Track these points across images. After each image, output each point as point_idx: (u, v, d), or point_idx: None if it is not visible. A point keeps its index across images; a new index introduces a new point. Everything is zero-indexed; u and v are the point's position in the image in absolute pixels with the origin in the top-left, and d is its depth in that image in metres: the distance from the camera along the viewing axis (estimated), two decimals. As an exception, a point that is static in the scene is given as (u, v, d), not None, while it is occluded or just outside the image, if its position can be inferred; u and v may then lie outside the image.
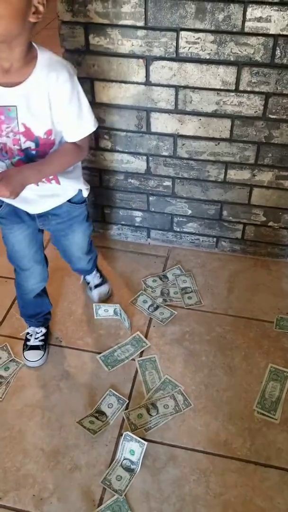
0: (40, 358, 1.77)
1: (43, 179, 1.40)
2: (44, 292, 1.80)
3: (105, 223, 2.27)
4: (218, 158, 1.93)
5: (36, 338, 1.80)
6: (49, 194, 1.49)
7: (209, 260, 2.19)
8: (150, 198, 2.13)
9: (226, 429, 1.58)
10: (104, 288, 2.00)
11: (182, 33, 1.64)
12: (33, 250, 1.62)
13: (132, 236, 2.28)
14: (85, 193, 1.59)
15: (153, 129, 1.91)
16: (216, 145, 1.89)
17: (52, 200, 1.51)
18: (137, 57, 1.72)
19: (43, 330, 1.83)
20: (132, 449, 1.50)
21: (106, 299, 2.00)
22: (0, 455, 1.53)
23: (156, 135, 1.92)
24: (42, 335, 1.81)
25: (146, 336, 1.87)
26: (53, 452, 1.53)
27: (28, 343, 1.80)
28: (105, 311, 1.94)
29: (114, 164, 2.05)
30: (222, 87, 1.75)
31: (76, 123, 1.33)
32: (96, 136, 1.98)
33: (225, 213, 2.10)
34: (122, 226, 2.26)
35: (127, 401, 1.66)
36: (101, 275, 2.03)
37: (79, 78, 1.30)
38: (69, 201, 1.55)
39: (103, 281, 2.02)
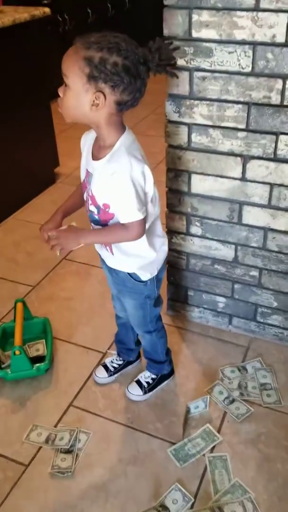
0: (104, 377, 2.02)
1: (101, 244, 1.60)
2: (131, 331, 1.94)
3: (188, 304, 2.29)
4: (310, 253, 1.90)
5: (112, 361, 2.04)
6: (109, 256, 1.62)
7: (292, 357, 2.10)
8: (235, 286, 2.12)
9: None
10: (135, 392, 1.94)
11: (282, 137, 1.70)
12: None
13: (213, 321, 2.27)
14: (143, 277, 1.63)
15: (244, 221, 1.95)
16: (308, 240, 1.87)
17: (110, 261, 1.64)
18: (236, 155, 1.80)
19: (120, 362, 2.04)
20: None
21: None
22: (59, 536, 1.51)
23: (247, 226, 1.95)
24: (117, 364, 2.04)
25: (219, 431, 1.80)
26: None
27: (104, 360, 2.06)
28: (195, 408, 1.89)
29: (202, 249, 2.10)
30: None
31: (121, 209, 1.45)
32: (187, 222, 2.06)
33: (313, 309, 2.02)
34: (204, 309, 2.26)
35: (193, 500, 1.58)
36: (152, 382, 1.95)
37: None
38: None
39: (145, 389, 1.94)
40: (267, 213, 1.88)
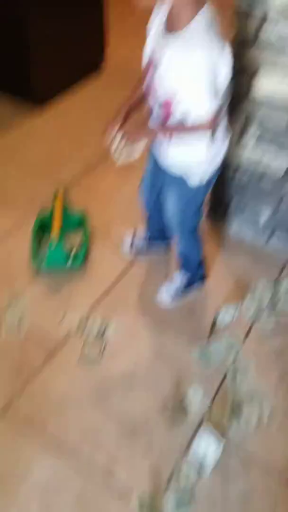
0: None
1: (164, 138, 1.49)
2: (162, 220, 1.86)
3: (229, 216, 2.23)
4: None
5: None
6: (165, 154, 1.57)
7: None
8: (283, 201, 2.04)
9: (308, 458, 1.51)
10: (166, 297, 1.94)
11: None
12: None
13: (253, 235, 2.22)
14: (195, 179, 1.57)
15: (304, 132, 1.81)
16: None
17: (165, 159, 1.58)
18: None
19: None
20: (207, 446, 1.50)
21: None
22: (83, 413, 1.62)
23: (306, 139, 1.82)
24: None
25: (244, 340, 1.83)
26: (132, 426, 1.59)
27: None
28: (224, 317, 1.90)
29: (254, 157, 1.98)
30: None
31: (191, 98, 1.36)
32: (244, 126, 1.92)
33: None
34: (245, 222, 2.20)
35: (213, 399, 1.66)
36: (182, 289, 1.95)
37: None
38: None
39: (175, 293, 1.94)
40: None
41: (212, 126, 1.42)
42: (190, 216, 1.74)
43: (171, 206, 1.72)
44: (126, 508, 1.40)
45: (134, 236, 2.13)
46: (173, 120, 1.44)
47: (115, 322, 1.88)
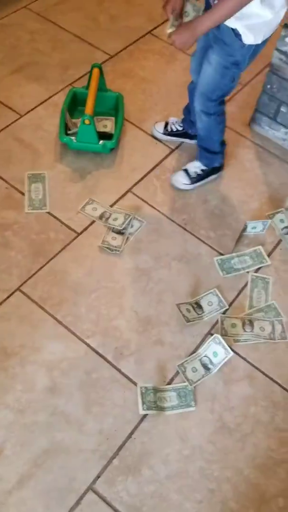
0: (161, 133, 2.02)
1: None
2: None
3: (276, 122, 2.06)
4: None
5: (173, 123, 2.02)
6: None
7: None
8: None
9: (311, 377, 1.55)
10: (182, 180, 1.89)
11: None
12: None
13: (297, 148, 2.08)
14: (245, 38, 1.44)
15: None
16: None
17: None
18: None
19: (180, 128, 2.01)
20: (216, 351, 1.53)
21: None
22: (98, 301, 1.62)
23: None
24: (177, 128, 2.01)
25: (269, 255, 1.79)
26: (145, 319, 1.60)
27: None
28: (253, 228, 1.84)
29: None
30: None
31: None
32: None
33: None
34: (291, 133, 2.05)
35: (227, 307, 1.65)
36: (201, 173, 1.89)
37: None
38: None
39: (192, 179, 1.89)
40: None
41: None
42: (223, 85, 1.61)
43: (210, 68, 1.57)
44: (129, 393, 1.45)
45: (169, 121, 2.05)
46: None
47: (141, 217, 1.82)
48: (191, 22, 1.41)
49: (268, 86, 1.99)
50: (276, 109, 2.02)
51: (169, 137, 2.04)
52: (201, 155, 1.89)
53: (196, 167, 1.89)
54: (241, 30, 1.43)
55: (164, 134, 2.04)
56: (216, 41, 1.51)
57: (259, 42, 1.47)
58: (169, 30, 1.46)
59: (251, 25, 1.42)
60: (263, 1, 1.36)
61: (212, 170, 1.92)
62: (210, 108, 1.69)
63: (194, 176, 1.89)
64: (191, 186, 1.91)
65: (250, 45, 1.47)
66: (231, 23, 1.42)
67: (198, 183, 1.91)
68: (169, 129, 2.03)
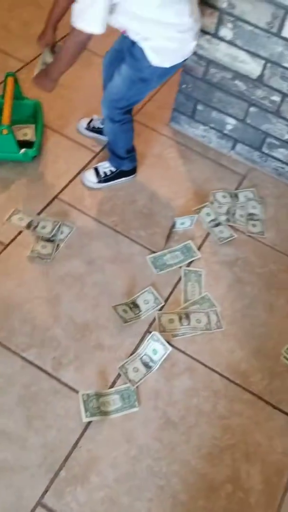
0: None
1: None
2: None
3: (194, 120, 2.12)
4: None
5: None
6: None
7: (286, 194, 2.06)
8: (251, 109, 1.94)
9: (248, 362, 1.59)
10: (90, 178, 1.91)
11: None
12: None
13: (216, 143, 2.14)
14: (152, 59, 1.49)
15: (284, 33, 1.68)
16: None
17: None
18: None
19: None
20: (156, 349, 1.54)
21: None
22: (32, 312, 1.59)
23: (286, 41, 1.69)
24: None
25: (199, 249, 1.83)
26: (82, 325, 1.59)
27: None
28: (181, 224, 1.88)
29: (226, 58, 1.85)
30: None
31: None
32: (218, 21, 1.76)
33: None
34: (209, 128, 2.11)
35: (163, 303, 1.67)
36: (110, 174, 1.91)
37: None
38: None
39: (101, 177, 1.90)
40: (314, 28, 1.62)
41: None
42: (129, 97, 1.64)
43: (119, 79, 1.60)
44: (71, 402, 1.43)
45: (91, 120, 2.07)
46: None
47: (70, 222, 1.81)
48: (48, 69, 1.57)
49: (184, 86, 2.03)
50: (193, 108, 2.08)
51: (90, 133, 2.06)
52: (110, 158, 1.91)
53: (105, 167, 1.92)
54: (146, 51, 1.47)
55: (86, 129, 2.06)
56: (129, 53, 1.54)
57: (167, 66, 1.52)
58: (36, 71, 1.63)
59: (157, 48, 1.46)
60: (167, 32, 1.43)
61: (122, 173, 1.93)
62: (116, 116, 1.71)
63: (103, 175, 1.91)
64: (99, 185, 1.92)
65: (157, 66, 1.51)
66: (139, 42, 1.46)
67: (107, 184, 1.92)
68: (91, 126, 2.06)
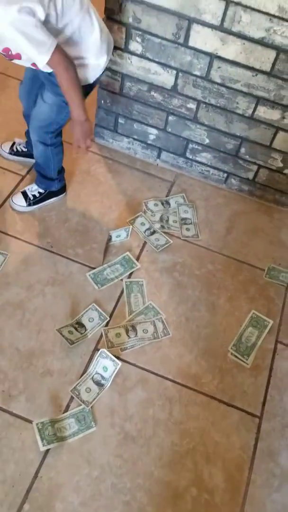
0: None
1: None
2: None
3: (117, 133, 2.15)
4: (251, 91, 1.79)
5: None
6: None
7: (214, 195, 2.13)
8: (170, 118, 2.00)
9: (198, 364, 1.63)
10: (19, 202, 1.89)
11: None
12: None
13: (142, 153, 2.18)
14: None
15: (190, 43, 1.74)
16: (253, 76, 1.75)
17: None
18: None
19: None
20: (105, 366, 1.54)
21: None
22: (-24, 346, 1.55)
23: (193, 50, 1.76)
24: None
25: (137, 259, 1.85)
26: (28, 353, 1.56)
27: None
28: (117, 237, 1.89)
29: (140, 71, 1.89)
30: (277, 13, 1.57)
31: (29, 56, 1.34)
32: (127, 36, 1.80)
33: (243, 150, 2.00)
34: (133, 140, 2.14)
35: (108, 318, 1.67)
36: (39, 196, 1.90)
37: None
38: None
39: (31, 200, 1.89)
40: (217, 37, 1.69)
41: (62, 64, 1.37)
42: (59, 120, 1.65)
43: (45, 106, 1.61)
44: (26, 433, 1.40)
45: (15, 141, 2.05)
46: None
47: (3, 249, 1.77)
48: (74, 121, 1.53)
49: (102, 102, 2.06)
50: (115, 122, 2.11)
51: (15, 157, 2.04)
52: (38, 179, 1.90)
53: (33, 190, 1.91)
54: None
55: (10, 153, 2.03)
56: (48, 81, 1.54)
57: (90, 82, 1.55)
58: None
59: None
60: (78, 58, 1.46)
61: (51, 193, 1.93)
62: (47, 140, 1.71)
63: (32, 198, 1.90)
64: (29, 208, 1.90)
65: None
66: (48, 69, 1.45)
67: (37, 206, 1.91)
68: (15, 150, 2.03)
